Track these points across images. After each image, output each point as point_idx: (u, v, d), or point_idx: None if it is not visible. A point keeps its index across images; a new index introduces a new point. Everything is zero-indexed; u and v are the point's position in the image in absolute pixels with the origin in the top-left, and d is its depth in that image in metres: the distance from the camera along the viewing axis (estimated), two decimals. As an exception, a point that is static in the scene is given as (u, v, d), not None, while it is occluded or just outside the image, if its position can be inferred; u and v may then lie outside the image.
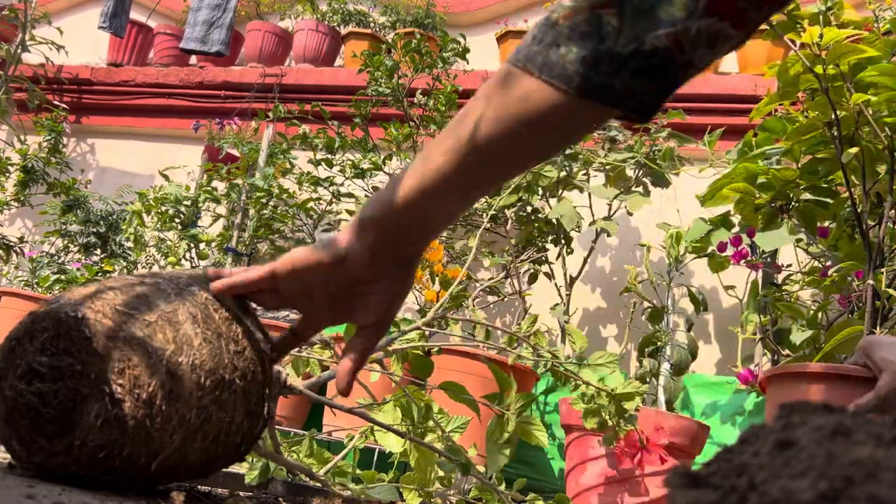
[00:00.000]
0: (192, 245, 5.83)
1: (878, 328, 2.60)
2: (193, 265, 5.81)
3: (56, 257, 5.96)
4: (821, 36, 2.55)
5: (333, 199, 5.75)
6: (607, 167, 5.07)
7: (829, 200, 3.13)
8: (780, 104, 3.12)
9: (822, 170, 3.08)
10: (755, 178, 3.23)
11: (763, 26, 2.96)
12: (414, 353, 2.06)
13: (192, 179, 6.49)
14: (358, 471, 2.02)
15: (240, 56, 7.43)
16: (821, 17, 2.64)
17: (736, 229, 4.20)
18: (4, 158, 6.95)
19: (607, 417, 2.25)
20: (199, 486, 1.78)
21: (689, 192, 4.86)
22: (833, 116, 2.73)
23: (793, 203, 3.26)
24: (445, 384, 2.00)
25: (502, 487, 1.98)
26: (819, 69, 2.64)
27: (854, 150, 2.72)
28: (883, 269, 2.79)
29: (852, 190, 2.86)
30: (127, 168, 7.07)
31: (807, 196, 3.20)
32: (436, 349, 3.51)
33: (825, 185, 3.11)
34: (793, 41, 2.74)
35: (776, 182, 3.12)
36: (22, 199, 6.90)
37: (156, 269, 5.87)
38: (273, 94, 6.68)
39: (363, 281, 1.08)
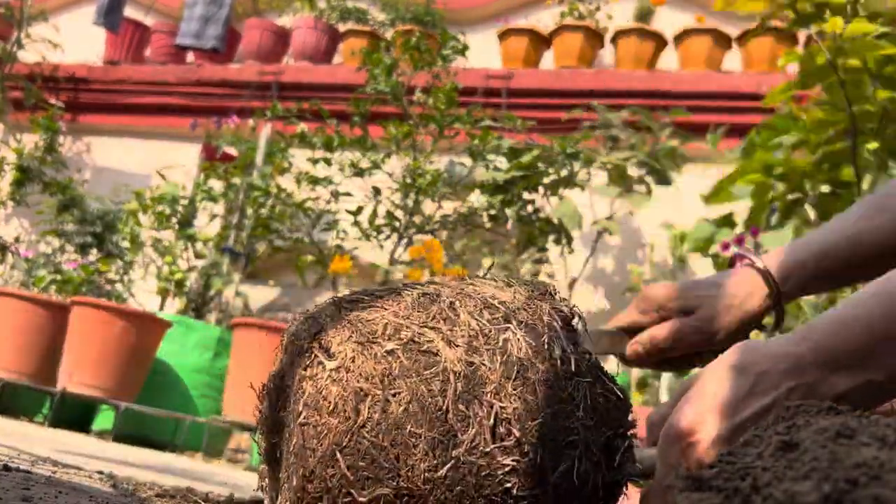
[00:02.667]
0: (188, 244, 5.78)
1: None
2: (191, 265, 5.76)
3: (52, 257, 5.91)
4: (845, 26, 2.48)
5: (332, 198, 5.70)
6: (609, 166, 5.01)
7: (842, 191, 3.07)
8: (794, 97, 3.06)
9: (831, 161, 3.02)
10: (771, 170, 3.17)
11: (771, 24, 2.91)
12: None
13: (189, 178, 6.44)
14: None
15: (237, 53, 7.39)
16: (848, 6, 2.57)
17: (739, 229, 4.14)
18: (0, 157, 6.91)
19: None
20: (196, 489, 1.73)
21: (692, 191, 4.81)
22: (849, 111, 2.66)
23: (809, 195, 3.20)
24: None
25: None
26: (840, 62, 2.57)
27: (874, 144, 2.65)
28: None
29: (863, 185, 2.79)
30: (123, 167, 7.02)
31: (824, 189, 3.14)
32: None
33: (843, 179, 3.04)
34: (820, 34, 2.67)
35: (793, 173, 3.06)
36: (18, 198, 6.86)
37: (152, 269, 5.82)
38: (271, 91, 6.63)
39: None
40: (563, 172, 5.10)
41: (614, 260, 5.74)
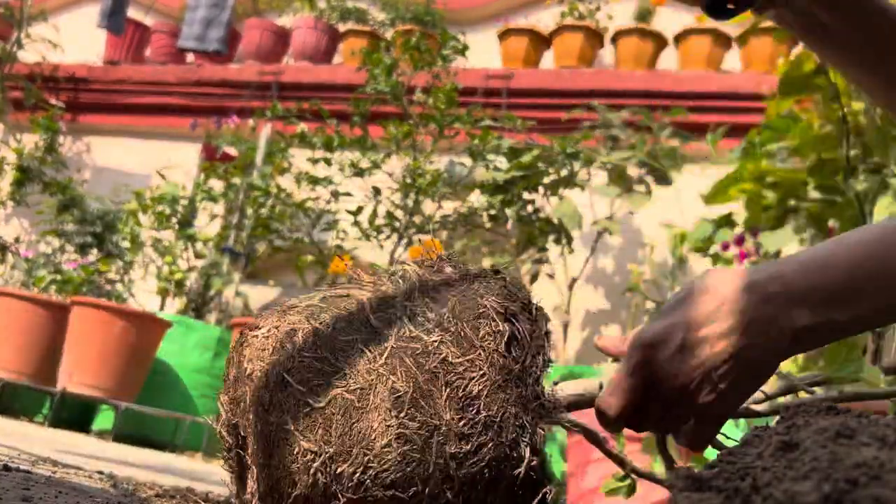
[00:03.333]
0: (188, 244, 5.78)
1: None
2: (191, 265, 5.76)
3: (52, 257, 5.91)
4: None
5: (332, 198, 5.70)
6: (609, 166, 5.01)
7: (838, 199, 3.06)
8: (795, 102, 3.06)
9: (828, 168, 3.02)
10: (763, 178, 3.17)
11: (768, 24, 2.91)
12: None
13: (189, 178, 6.44)
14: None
15: (237, 53, 7.39)
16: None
17: (739, 228, 4.14)
18: (0, 157, 6.91)
19: None
20: (196, 489, 1.73)
21: (692, 191, 4.81)
22: (842, 114, 2.66)
23: (801, 203, 3.19)
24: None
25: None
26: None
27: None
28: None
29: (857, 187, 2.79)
30: (123, 167, 7.02)
31: (816, 195, 3.14)
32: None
33: (834, 185, 3.04)
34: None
35: (785, 182, 3.06)
36: (18, 198, 6.86)
37: (152, 269, 5.82)
38: (271, 91, 6.63)
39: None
40: (563, 172, 5.10)
41: (614, 260, 5.74)
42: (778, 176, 3.08)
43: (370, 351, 0.88)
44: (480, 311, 0.92)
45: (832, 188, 3.08)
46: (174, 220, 5.87)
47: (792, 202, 3.22)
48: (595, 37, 6.34)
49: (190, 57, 7.41)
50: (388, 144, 5.61)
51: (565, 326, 5.13)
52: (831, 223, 3.28)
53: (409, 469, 0.85)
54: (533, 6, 6.82)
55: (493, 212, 5.29)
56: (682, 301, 0.84)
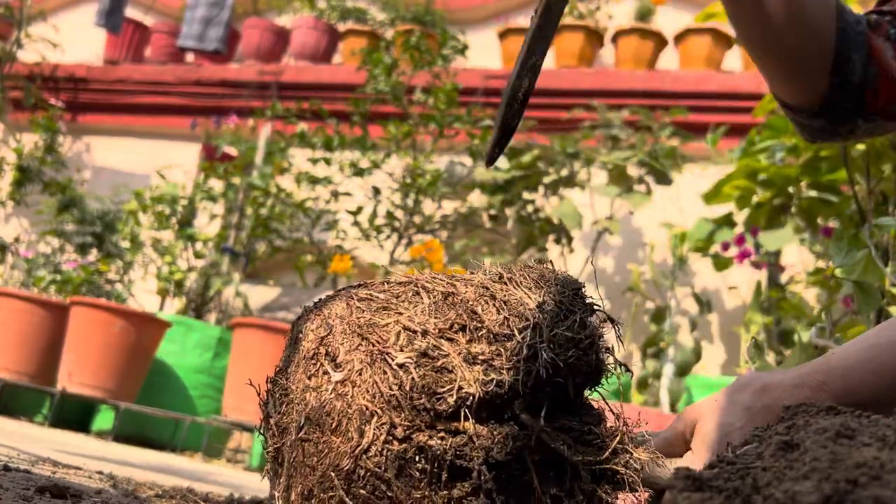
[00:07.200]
0: (188, 244, 5.78)
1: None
2: (191, 265, 5.75)
3: (52, 257, 5.90)
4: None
5: (332, 198, 5.70)
6: (609, 166, 5.01)
7: (833, 198, 3.07)
8: None
9: (825, 167, 3.02)
10: (756, 175, 3.18)
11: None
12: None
13: (189, 178, 6.43)
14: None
15: (237, 53, 7.39)
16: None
17: (739, 228, 4.14)
18: (0, 157, 6.91)
19: None
20: (196, 489, 1.73)
21: (692, 191, 4.81)
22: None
23: (795, 201, 3.20)
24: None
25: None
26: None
27: (861, 146, 2.65)
28: (888, 269, 2.72)
29: (856, 188, 2.79)
30: (123, 167, 7.02)
31: (810, 194, 3.15)
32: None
33: (828, 183, 3.04)
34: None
35: (777, 179, 3.07)
36: (17, 198, 6.85)
37: (152, 268, 5.82)
38: (271, 91, 6.62)
39: None
40: (563, 172, 5.10)
41: (614, 260, 5.74)
42: (769, 173, 3.09)
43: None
44: None
45: (827, 186, 3.08)
46: (174, 220, 5.87)
47: (784, 200, 3.23)
48: (595, 36, 6.33)
49: (190, 57, 7.40)
50: (388, 144, 5.61)
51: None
52: (830, 223, 3.28)
53: None
54: (532, 6, 6.80)
55: (493, 212, 5.29)
56: (728, 422, 0.86)
